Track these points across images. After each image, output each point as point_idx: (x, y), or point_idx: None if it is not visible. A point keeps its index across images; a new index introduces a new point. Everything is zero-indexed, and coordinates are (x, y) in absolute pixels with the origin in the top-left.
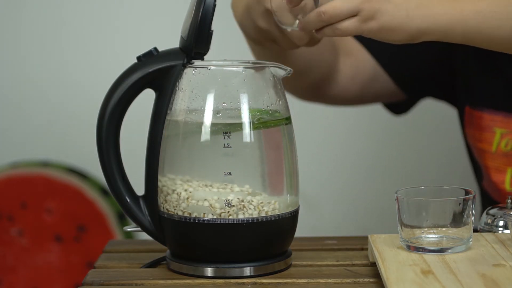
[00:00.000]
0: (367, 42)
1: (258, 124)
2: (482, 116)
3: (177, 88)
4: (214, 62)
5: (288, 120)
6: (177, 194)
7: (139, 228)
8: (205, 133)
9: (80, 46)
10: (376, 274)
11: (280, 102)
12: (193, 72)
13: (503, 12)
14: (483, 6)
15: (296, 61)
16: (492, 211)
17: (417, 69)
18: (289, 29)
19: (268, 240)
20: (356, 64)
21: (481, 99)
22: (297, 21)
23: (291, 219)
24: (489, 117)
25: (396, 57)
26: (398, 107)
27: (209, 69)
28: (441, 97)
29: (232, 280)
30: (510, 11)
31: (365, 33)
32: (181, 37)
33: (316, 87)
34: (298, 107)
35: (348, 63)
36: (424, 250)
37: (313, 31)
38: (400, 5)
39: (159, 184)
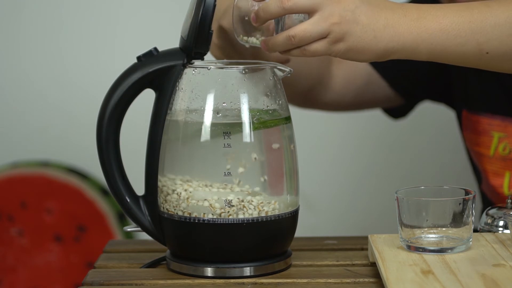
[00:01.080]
0: None
1: (258, 124)
2: (479, 120)
3: (177, 88)
4: (214, 62)
5: (288, 120)
6: (177, 194)
7: (139, 228)
8: (205, 133)
9: (80, 46)
10: (376, 274)
11: (280, 102)
12: (193, 72)
13: (467, 29)
14: (447, 24)
15: None
16: (492, 211)
17: (413, 72)
18: (247, 45)
19: (268, 240)
20: (349, 69)
21: (478, 103)
22: (259, 39)
23: (291, 219)
24: (487, 121)
25: (392, 62)
26: (396, 111)
27: (209, 69)
28: (439, 99)
29: (232, 280)
30: (473, 28)
31: (333, 54)
32: (181, 37)
33: (308, 95)
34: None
35: (341, 69)
36: (424, 250)
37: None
38: (367, 26)
39: (159, 184)
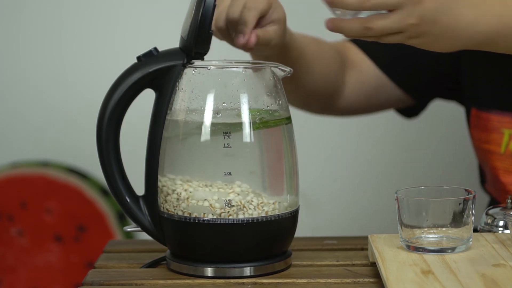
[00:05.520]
0: (370, 51)
1: (258, 124)
2: (489, 118)
3: (177, 88)
4: (214, 62)
5: (288, 120)
6: (177, 194)
7: (139, 228)
8: (205, 133)
9: (80, 46)
10: (376, 274)
11: (280, 102)
12: (193, 72)
13: None
14: None
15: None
16: (492, 211)
17: (422, 72)
18: (348, 17)
19: (268, 240)
20: (359, 75)
21: (488, 100)
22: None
23: (291, 219)
24: (497, 118)
25: (400, 63)
26: (409, 111)
27: (209, 69)
28: (450, 97)
29: (232, 280)
30: None
31: (407, 43)
32: (181, 37)
33: (326, 102)
34: None
35: (353, 75)
36: (424, 250)
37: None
38: (447, 27)
39: (159, 184)
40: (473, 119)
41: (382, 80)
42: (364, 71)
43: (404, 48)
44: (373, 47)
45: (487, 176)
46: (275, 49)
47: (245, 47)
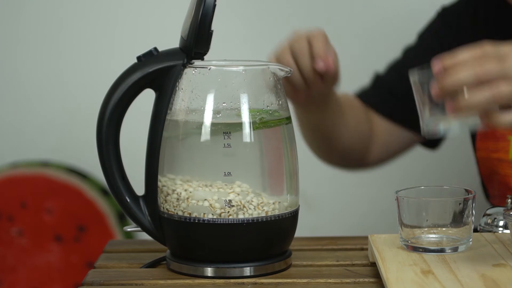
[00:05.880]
0: (375, 105)
1: (258, 124)
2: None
3: (177, 88)
4: (214, 62)
5: (288, 120)
6: (177, 194)
7: (139, 228)
8: (205, 133)
9: (80, 46)
10: (376, 274)
11: (280, 102)
12: (193, 72)
13: None
14: None
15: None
16: (492, 211)
17: None
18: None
19: (268, 240)
20: (375, 126)
21: None
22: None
23: (291, 219)
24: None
25: (406, 109)
26: (431, 143)
27: (209, 69)
28: None
29: (232, 280)
30: None
31: None
32: (181, 37)
33: (361, 154)
34: None
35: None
36: (424, 250)
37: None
38: None
39: (159, 184)
40: (479, 130)
41: (392, 129)
42: (377, 123)
43: (405, 93)
44: (375, 101)
45: (491, 189)
46: (328, 90)
47: (323, 71)
